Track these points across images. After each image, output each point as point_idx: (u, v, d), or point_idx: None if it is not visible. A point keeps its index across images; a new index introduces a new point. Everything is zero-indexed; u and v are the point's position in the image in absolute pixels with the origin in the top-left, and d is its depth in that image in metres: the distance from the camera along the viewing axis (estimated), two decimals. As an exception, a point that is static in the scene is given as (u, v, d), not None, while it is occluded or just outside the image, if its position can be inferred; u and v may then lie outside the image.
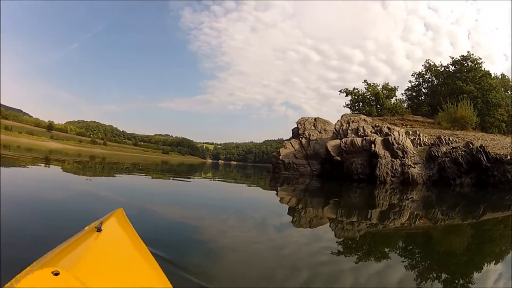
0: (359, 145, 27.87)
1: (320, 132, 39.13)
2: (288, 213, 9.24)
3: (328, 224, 7.77)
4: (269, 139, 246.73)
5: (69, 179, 14.11)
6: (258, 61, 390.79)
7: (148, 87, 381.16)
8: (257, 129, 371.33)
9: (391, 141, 26.00)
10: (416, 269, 4.31)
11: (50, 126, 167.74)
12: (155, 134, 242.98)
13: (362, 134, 29.24)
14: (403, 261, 4.70)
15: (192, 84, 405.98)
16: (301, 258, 4.35)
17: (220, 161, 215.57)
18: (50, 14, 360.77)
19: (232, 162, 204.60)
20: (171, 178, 20.62)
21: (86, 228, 2.60)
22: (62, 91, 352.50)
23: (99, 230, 2.25)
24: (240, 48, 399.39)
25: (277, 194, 16.22)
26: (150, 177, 19.78)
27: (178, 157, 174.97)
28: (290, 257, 4.37)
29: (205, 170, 44.16)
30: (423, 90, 50.90)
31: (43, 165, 20.05)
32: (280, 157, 37.66)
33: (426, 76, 49.89)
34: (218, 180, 22.87)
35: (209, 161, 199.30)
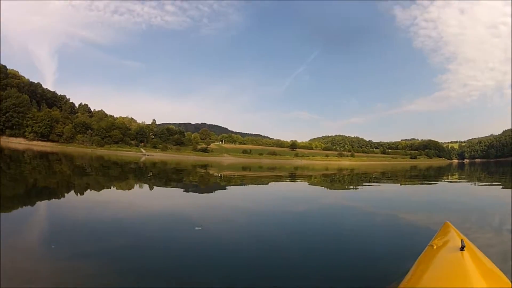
0: None
1: None
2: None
3: None
4: (507, 128, 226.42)
5: (320, 194, 17.07)
6: (478, 43, 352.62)
7: (384, 93, 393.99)
8: (494, 119, 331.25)
9: None
10: None
11: (293, 145, 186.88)
12: (401, 140, 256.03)
13: None
14: None
15: (427, 82, 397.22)
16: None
17: (465, 160, 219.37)
18: (272, 44, 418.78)
19: (476, 160, 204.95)
20: (418, 183, 23.27)
21: (435, 246, 3.31)
22: (302, 112, 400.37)
23: (462, 248, 2.76)
24: (458, 34, 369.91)
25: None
26: (398, 184, 22.98)
27: (426, 160, 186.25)
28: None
29: (451, 172, 47.02)
30: None
31: (289, 181, 24.56)
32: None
33: None
34: (462, 182, 25.21)
35: (455, 161, 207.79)
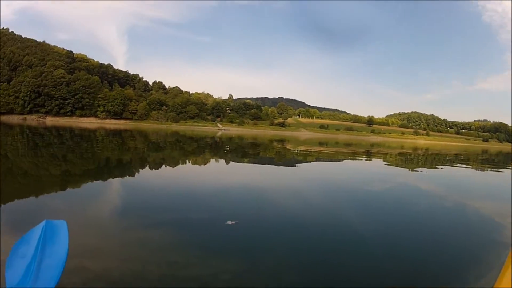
0: None
1: None
2: None
3: None
4: None
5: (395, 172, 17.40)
6: None
7: (458, 69, 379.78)
8: None
9: None
10: None
11: (370, 121, 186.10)
12: (475, 120, 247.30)
13: None
14: None
15: (498, 60, 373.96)
16: None
17: None
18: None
19: None
20: (488, 168, 23.37)
21: None
22: (377, 86, 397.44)
23: None
24: None
25: None
26: (471, 167, 23.48)
27: (497, 144, 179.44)
28: None
29: None
30: None
31: (365, 159, 24.89)
32: None
33: None
34: None
35: None
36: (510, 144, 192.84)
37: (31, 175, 9.65)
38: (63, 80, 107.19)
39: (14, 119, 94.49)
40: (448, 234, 6.21)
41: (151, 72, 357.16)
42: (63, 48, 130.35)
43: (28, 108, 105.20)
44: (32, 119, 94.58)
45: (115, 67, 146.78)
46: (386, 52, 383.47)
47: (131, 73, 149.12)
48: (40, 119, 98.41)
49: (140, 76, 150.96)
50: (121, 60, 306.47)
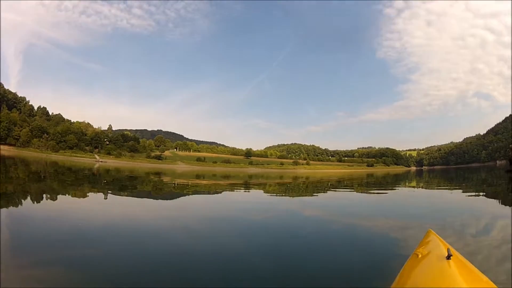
0: None
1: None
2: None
3: None
4: (467, 136, 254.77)
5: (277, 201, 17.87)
6: (443, 54, 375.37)
7: (344, 102, 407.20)
8: (455, 127, 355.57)
9: None
10: None
11: (248, 153, 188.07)
12: (358, 148, 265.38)
13: None
14: None
15: (388, 92, 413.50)
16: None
17: (424, 167, 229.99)
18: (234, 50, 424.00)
19: (436, 167, 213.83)
20: (375, 191, 24.37)
21: (419, 255, 3.33)
22: (259, 120, 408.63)
23: (449, 257, 2.75)
24: (424, 45, 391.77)
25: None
26: (354, 191, 23.97)
27: (383, 168, 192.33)
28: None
29: (409, 178, 48.87)
30: None
31: (243, 190, 24.79)
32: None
33: None
34: (420, 188, 26.80)
35: (413, 168, 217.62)
36: (397, 166, 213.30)
37: None
38: None
39: None
40: (339, 253, 6.49)
41: (40, 96, 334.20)
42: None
43: None
44: None
45: (7, 87, 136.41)
46: (271, 88, 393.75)
47: (19, 96, 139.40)
48: None
49: (27, 99, 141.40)
50: (13, 81, 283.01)
